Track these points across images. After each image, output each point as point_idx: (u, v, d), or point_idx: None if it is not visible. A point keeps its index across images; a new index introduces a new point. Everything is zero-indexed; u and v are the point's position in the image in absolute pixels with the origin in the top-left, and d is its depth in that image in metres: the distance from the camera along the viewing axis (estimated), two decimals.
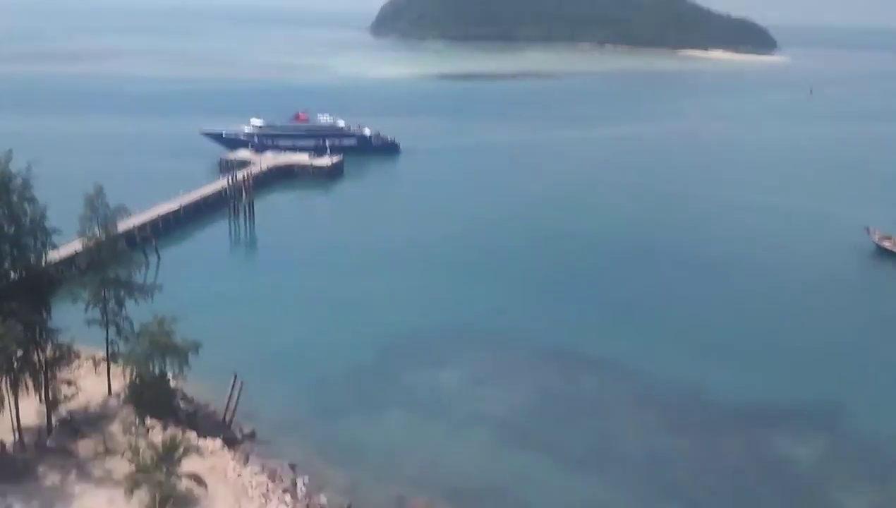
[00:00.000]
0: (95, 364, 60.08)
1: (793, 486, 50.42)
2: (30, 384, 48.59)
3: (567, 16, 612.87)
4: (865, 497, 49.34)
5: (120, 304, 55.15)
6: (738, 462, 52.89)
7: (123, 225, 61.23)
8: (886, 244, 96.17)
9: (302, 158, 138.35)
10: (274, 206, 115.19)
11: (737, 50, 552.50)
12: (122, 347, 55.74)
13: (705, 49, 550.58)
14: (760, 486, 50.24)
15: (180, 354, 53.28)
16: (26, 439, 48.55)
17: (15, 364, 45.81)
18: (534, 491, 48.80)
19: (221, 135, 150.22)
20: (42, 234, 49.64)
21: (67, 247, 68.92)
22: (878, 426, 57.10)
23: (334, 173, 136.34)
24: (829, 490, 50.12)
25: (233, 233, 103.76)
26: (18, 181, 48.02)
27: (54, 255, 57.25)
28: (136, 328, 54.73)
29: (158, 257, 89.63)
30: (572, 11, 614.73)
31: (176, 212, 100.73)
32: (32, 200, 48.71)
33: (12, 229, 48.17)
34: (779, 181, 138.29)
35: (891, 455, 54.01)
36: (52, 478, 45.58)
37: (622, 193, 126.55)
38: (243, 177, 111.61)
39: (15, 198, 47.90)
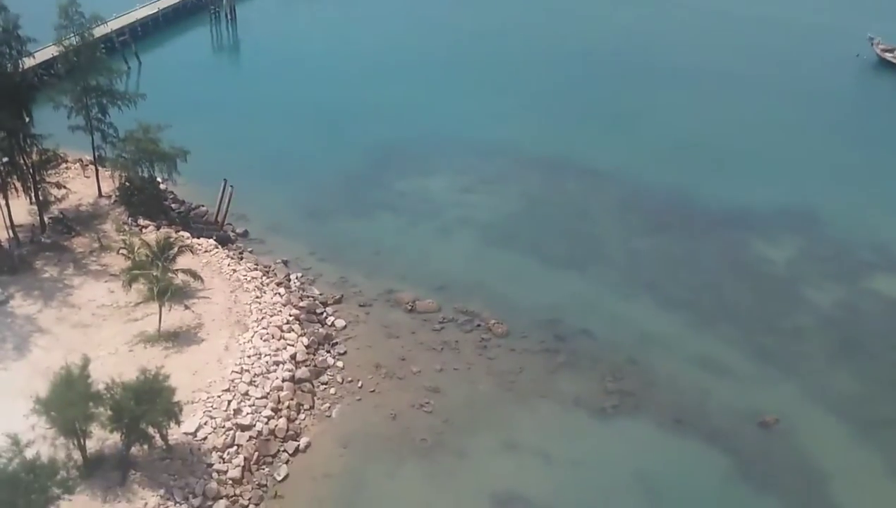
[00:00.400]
0: (83, 167, 60.43)
1: (765, 283, 52.48)
2: (19, 186, 48.89)
3: None
4: (834, 294, 51.52)
5: (103, 111, 54.48)
6: (714, 261, 54.68)
7: (101, 30, 59.01)
8: (888, 56, 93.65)
9: None
10: (257, 10, 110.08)
11: None
12: (108, 153, 55.80)
13: None
14: (734, 283, 52.30)
15: (168, 160, 53.39)
16: (20, 236, 49.46)
17: (2, 169, 45.81)
18: (517, 287, 50.74)
19: None
20: (17, 43, 48.07)
21: (44, 52, 66.86)
22: (854, 230, 58.47)
23: None
24: (800, 287, 52.21)
25: (215, 38, 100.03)
26: None
27: (32, 62, 55.81)
28: (122, 135, 54.44)
29: (140, 63, 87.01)
30: None
31: (154, 17, 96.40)
32: (2, 9, 46.75)
33: None
34: None
35: (864, 257, 55.73)
36: (49, 271, 47.03)
37: (616, 4, 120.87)
38: None
39: None
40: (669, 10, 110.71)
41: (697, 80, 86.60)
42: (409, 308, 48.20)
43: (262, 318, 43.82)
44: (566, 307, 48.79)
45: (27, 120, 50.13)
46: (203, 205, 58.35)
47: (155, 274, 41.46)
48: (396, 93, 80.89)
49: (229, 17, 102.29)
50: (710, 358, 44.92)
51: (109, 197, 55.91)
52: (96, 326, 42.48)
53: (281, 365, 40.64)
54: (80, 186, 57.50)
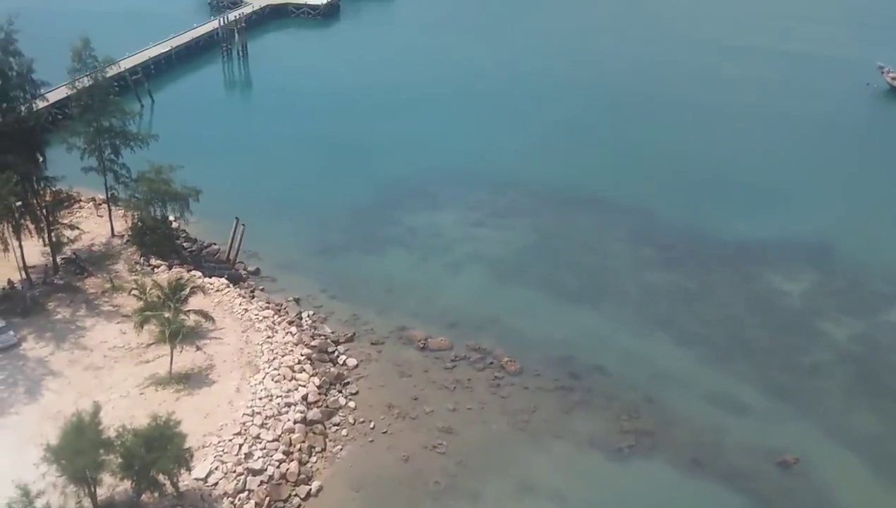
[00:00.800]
0: (97, 206, 60.88)
1: (781, 317, 51.84)
2: (32, 228, 49.23)
3: None
4: (850, 328, 50.78)
5: (116, 152, 55.06)
6: (729, 294, 54.15)
7: (115, 69, 59.95)
8: None
9: None
10: (268, 48, 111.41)
11: None
12: (121, 193, 56.23)
13: None
14: (749, 317, 51.71)
15: (180, 199, 53.71)
16: (33, 278, 49.67)
17: (15, 213, 46.22)
18: (530, 322, 50.35)
19: None
20: (31, 87, 48.96)
21: (58, 92, 67.85)
22: (869, 261, 57.79)
23: (330, 13, 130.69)
24: (816, 320, 51.53)
25: (227, 75, 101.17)
26: (1, 35, 46.64)
27: (46, 101, 56.67)
28: (135, 174, 54.88)
29: (152, 100, 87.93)
30: None
31: (167, 55, 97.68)
32: (17, 53, 47.66)
33: None
34: (790, 19, 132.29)
35: (880, 289, 55.03)
36: (62, 313, 47.08)
37: (626, 38, 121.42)
38: (236, 17, 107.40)
39: (0, 53, 46.69)
40: (680, 44, 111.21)
41: (708, 113, 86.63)
42: (422, 345, 47.89)
43: (274, 359, 43.61)
44: (580, 343, 48.31)
45: (41, 161, 50.72)
46: (215, 244, 58.45)
47: (166, 315, 41.39)
48: (407, 128, 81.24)
49: (241, 54, 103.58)
50: (727, 395, 44.27)
51: (122, 236, 56.16)
52: (108, 368, 42.36)
53: (292, 407, 40.34)
54: (93, 226, 57.88)
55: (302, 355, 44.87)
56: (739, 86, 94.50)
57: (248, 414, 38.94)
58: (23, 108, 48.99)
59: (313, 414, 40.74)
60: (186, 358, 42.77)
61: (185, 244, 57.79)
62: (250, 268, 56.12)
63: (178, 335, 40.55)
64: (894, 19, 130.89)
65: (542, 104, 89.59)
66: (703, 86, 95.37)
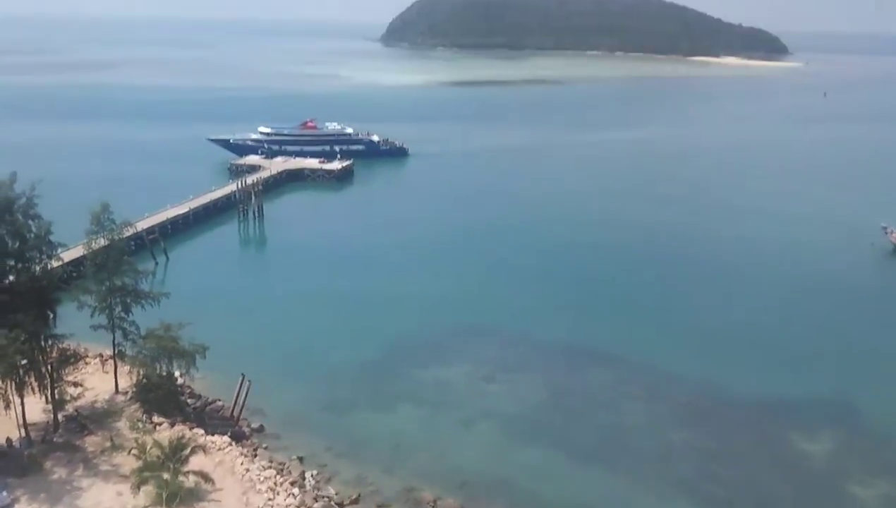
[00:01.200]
0: (103, 362, 60.33)
1: (806, 481, 49.41)
2: (36, 386, 48.60)
3: (576, 25, 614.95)
4: (879, 491, 48.24)
5: (127, 310, 55.36)
6: (751, 455, 51.85)
7: (132, 228, 61.76)
8: None
9: (312, 162, 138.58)
10: (283, 209, 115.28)
11: (749, 56, 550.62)
12: (128, 350, 56.01)
13: (717, 56, 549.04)
14: (773, 480, 49.22)
15: (187, 357, 53.36)
16: (33, 435, 48.43)
17: (20, 370, 45.91)
18: (543, 486, 48.04)
19: (229, 141, 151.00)
20: (48, 248, 50.33)
21: (74, 251, 69.41)
22: (891, 421, 55.98)
23: (344, 177, 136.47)
24: (843, 484, 49.01)
25: (242, 235, 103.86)
26: (23, 200, 48.71)
27: (61, 260, 57.89)
28: (143, 331, 54.92)
29: (167, 258, 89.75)
30: (581, 21, 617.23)
31: (185, 215, 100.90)
32: (37, 217, 49.44)
33: (16, 244, 48.92)
34: (795, 183, 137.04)
35: None
36: (58, 473, 45.35)
37: (634, 196, 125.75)
38: (253, 180, 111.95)
39: (20, 217, 48.57)
40: (689, 205, 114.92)
41: (718, 272, 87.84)
42: None
43: None
44: None
45: (51, 318, 50.90)
46: (219, 400, 57.32)
47: (165, 477, 39.79)
48: (417, 285, 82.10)
49: (257, 214, 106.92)
50: None
51: (126, 393, 55.25)
52: None
53: None
54: (97, 381, 57.15)
55: None
56: (748, 247, 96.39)
57: None
58: (37, 268, 49.89)
59: None
60: None
61: (189, 400, 56.63)
62: (254, 425, 54.57)
63: (175, 498, 38.83)
64: (891, 185, 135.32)
65: (552, 260, 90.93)
66: (713, 246, 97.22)
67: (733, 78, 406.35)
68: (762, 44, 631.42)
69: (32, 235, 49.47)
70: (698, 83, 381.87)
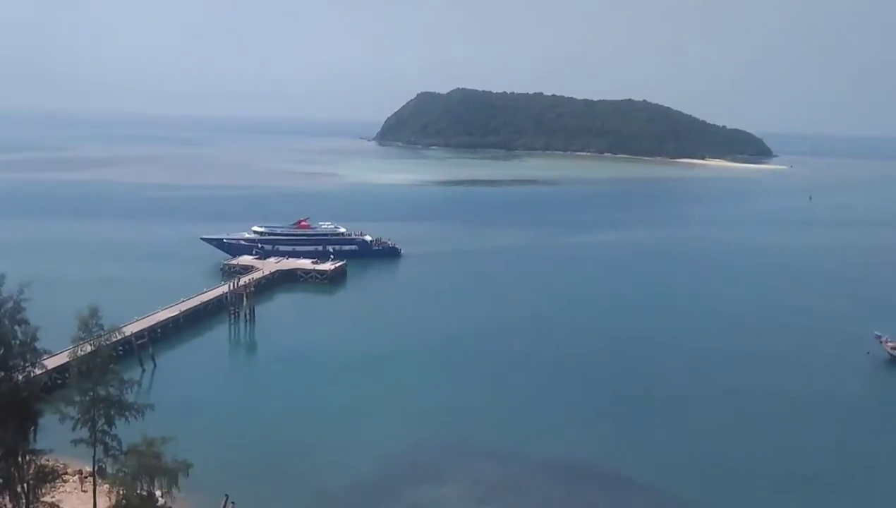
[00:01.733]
0: (82, 480, 58.03)
1: None
2: (10, 507, 46.25)
3: (566, 127, 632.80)
4: None
5: (110, 423, 53.40)
6: None
7: (120, 334, 60.56)
8: None
9: (305, 263, 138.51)
10: (275, 312, 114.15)
11: (734, 159, 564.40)
12: (109, 467, 53.79)
13: (703, 158, 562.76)
14: None
15: (170, 475, 51.16)
16: None
17: None
18: None
19: (222, 241, 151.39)
20: (32, 355, 48.92)
21: (58, 358, 67.88)
22: None
23: (337, 278, 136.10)
24: None
25: (232, 338, 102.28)
26: (9, 305, 47.68)
27: (44, 368, 56.33)
28: (126, 446, 52.84)
29: (154, 364, 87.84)
30: (571, 123, 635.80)
31: (175, 319, 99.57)
32: (23, 322, 48.21)
33: (0, 351, 47.27)
34: (782, 289, 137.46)
35: None
36: None
37: (625, 300, 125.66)
38: (245, 282, 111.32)
39: (6, 322, 47.41)
40: (677, 318, 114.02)
41: (712, 386, 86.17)
42: None
43: None
44: None
45: (31, 432, 48.94)
46: None
47: None
48: (406, 393, 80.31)
49: (248, 317, 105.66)
50: None
51: None
52: None
53: None
54: (75, 502, 54.78)
55: None
56: (740, 359, 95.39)
57: None
58: (20, 377, 48.30)
59: None
60: None
61: None
62: None
63: None
64: (883, 290, 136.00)
65: (546, 369, 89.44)
66: (703, 358, 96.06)
67: (719, 179, 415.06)
68: (747, 146, 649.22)
69: (17, 342, 48.04)
70: (684, 185, 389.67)
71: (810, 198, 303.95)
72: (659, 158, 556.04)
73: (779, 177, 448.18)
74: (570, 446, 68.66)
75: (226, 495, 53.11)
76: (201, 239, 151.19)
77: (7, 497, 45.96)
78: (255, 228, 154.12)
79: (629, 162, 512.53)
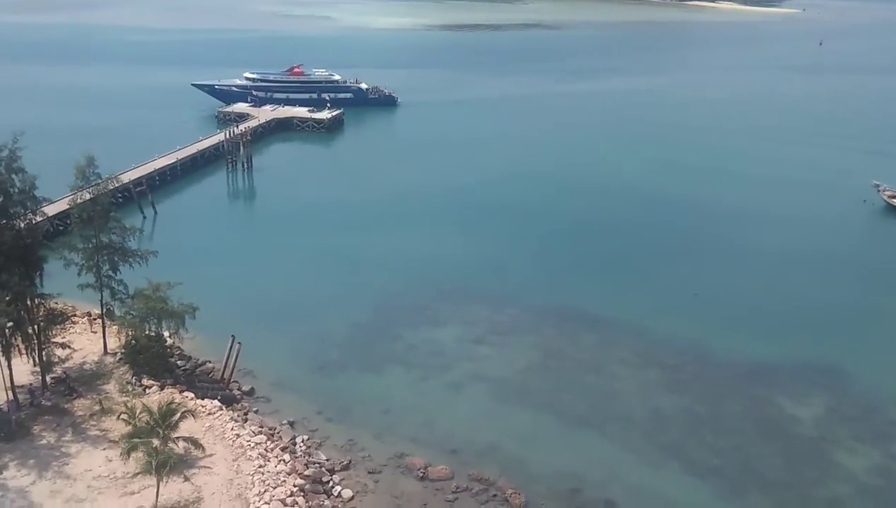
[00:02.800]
0: (91, 322, 59.81)
1: (794, 446, 49.90)
2: (22, 348, 47.94)
3: None
4: (867, 458, 48.83)
5: (114, 269, 54.48)
6: (740, 421, 52.33)
7: (118, 181, 60.44)
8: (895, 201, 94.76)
9: (301, 111, 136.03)
10: (273, 161, 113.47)
11: (745, 1, 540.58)
12: (117, 310, 55.36)
13: (713, 1, 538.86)
14: (762, 445, 49.72)
15: (176, 317, 52.79)
16: (20, 398, 48.03)
17: (7, 332, 45.08)
18: (533, 450, 48.36)
19: (213, 87, 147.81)
20: (32, 203, 48.91)
21: (58, 204, 68.20)
22: (881, 385, 56.47)
23: (334, 127, 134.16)
24: (831, 450, 49.62)
25: (231, 187, 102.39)
26: (5, 153, 47.07)
27: (45, 215, 56.68)
28: (132, 290, 54.16)
29: (155, 211, 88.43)
30: None
31: (172, 167, 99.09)
32: (20, 170, 47.82)
33: (0, 199, 47.17)
34: (786, 134, 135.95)
35: (894, 417, 53.35)
36: (47, 437, 45.18)
37: (626, 148, 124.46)
38: (242, 130, 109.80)
39: (2, 171, 47.01)
40: (677, 169, 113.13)
41: (709, 234, 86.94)
42: (421, 475, 45.73)
43: (265, 491, 41.44)
44: (587, 474, 46.21)
45: (37, 277, 49.93)
46: (210, 361, 57.05)
47: (154, 444, 39.56)
48: (406, 241, 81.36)
49: (245, 165, 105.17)
50: None
51: (115, 354, 54.81)
52: (91, 500, 40.16)
53: None
54: (86, 342, 56.69)
55: (294, 486, 42.71)
56: (738, 207, 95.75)
57: None
58: (21, 225, 48.68)
59: None
60: (173, 490, 40.65)
61: (178, 362, 56.31)
62: (244, 388, 54.40)
63: (165, 466, 38.61)
64: (882, 139, 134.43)
65: (543, 219, 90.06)
66: (702, 205, 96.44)
67: (728, 24, 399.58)
68: None
69: (16, 190, 48.12)
70: (693, 29, 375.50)
71: (820, 44, 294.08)
72: (668, 1, 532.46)
73: (790, 21, 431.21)
74: (563, 291, 70.45)
75: (232, 336, 54.93)
76: (192, 85, 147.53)
77: (19, 339, 47.54)
78: (247, 74, 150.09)
79: (636, 4, 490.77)
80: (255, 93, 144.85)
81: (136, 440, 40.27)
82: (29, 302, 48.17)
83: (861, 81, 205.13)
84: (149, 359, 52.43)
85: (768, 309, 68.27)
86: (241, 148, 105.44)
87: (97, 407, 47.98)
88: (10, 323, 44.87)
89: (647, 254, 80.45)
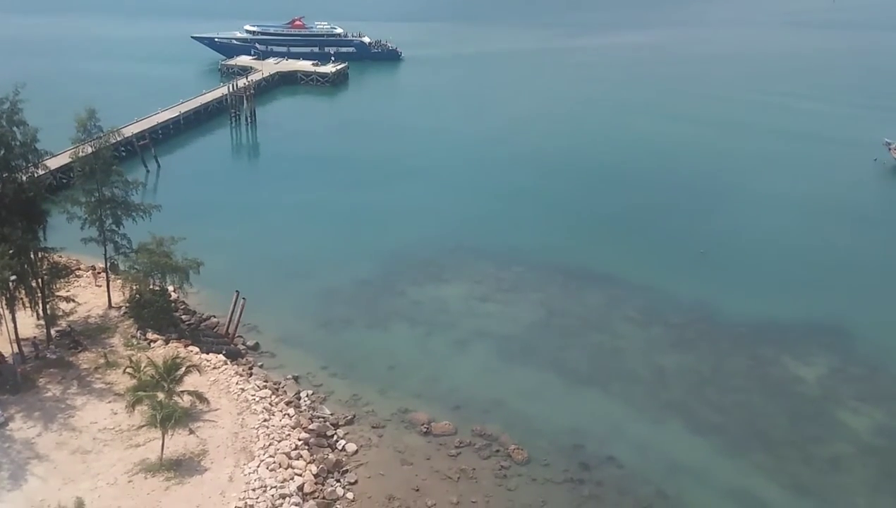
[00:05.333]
0: (95, 275, 59.78)
1: (798, 405, 49.87)
2: (26, 301, 47.86)
3: None
4: (870, 417, 48.83)
5: (118, 223, 54.20)
6: (744, 379, 52.28)
7: (121, 134, 59.82)
8: None
9: (305, 65, 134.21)
10: (277, 114, 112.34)
11: None
12: (121, 264, 55.26)
13: None
14: (766, 404, 49.72)
15: (181, 272, 52.65)
16: (26, 351, 48.17)
17: (10, 285, 44.96)
18: (536, 406, 48.45)
19: (213, 40, 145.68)
20: (34, 156, 48.43)
21: (60, 158, 67.67)
22: (887, 346, 56.18)
23: (338, 81, 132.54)
24: (834, 409, 49.60)
25: (235, 141, 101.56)
26: (6, 106, 46.48)
27: (48, 169, 56.28)
28: (136, 244, 53.94)
29: (158, 165, 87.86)
30: None
31: (175, 120, 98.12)
32: (22, 123, 47.28)
33: (1, 152, 46.67)
34: (796, 93, 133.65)
35: None
36: (52, 390, 45.39)
37: (634, 103, 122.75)
38: (245, 84, 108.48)
39: (4, 123, 46.42)
40: (686, 124, 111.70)
41: (716, 191, 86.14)
42: (425, 430, 45.92)
43: (270, 444, 41.68)
44: (590, 430, 46.35)
45: (39, 230, 49.69)
46: (214, 316, 57.10)
47: (159, 398, 39.67)
48: (413, 198, 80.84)
49: (249, 119, 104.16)
50: (746, 491, 42.11)
51: (119, 307, 54.82)
52: (96, 452, 40.45)
53: (287, 499, 38.25)
54: (90, 296, 56.71)
55: (299, 440, 42.95)
56: (746, 165, 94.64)
57: (240, 507, 36.85)
58: (24, 177, 48.27)
59: (309, 506, 38.60)
60: (178, 443, 40.91)
61: (183, 317, 56.38)
62: (249, 343, 54.51)
63: (170, 420, 38.77)
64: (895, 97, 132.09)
65: (548, 177, 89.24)
66: (710, 164, 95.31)
67: None
68: None
69: (18, 143, 47.66)
70: None
71: (833, 0, 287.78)
72: None
73: None
74: (569, 248, 70.03)
75: (236, 291, 54.81)
76: (192, 37, 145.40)
77: (23, 292, 47.42)
78: (248, 27, 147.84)
79: None
80: (256, 45, 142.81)
81: (141, 393, 40.44)
82: (32, 256, 47.99)
83: (875, 39, 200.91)
84: (153, 314, 52.43)
85: (775, 267, 67.81)
86: (245, 101, 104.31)
87: (102, 361, 48.13)
88: (13, 277, 44.68)
89: (655, 211, 79.74)
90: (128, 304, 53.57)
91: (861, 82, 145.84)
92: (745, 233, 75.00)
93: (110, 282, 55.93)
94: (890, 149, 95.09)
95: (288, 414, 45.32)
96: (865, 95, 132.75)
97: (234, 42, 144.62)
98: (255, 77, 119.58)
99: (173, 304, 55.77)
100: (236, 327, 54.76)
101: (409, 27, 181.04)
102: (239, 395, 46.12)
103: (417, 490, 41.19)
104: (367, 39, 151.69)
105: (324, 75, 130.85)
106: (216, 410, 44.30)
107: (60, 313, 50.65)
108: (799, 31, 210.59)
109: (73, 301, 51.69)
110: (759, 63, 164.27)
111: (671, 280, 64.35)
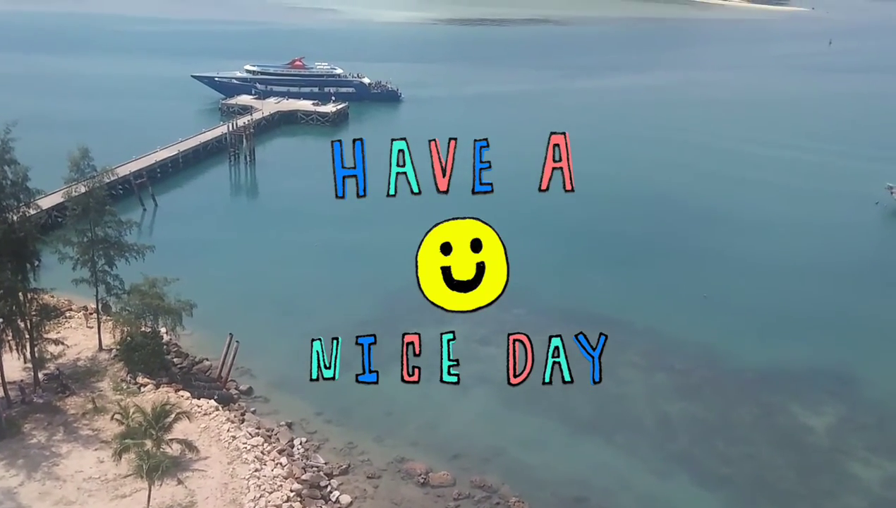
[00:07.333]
0: (87, 316, 58.54)
1: (807, 455, 48.56)
2: (13, 344, 46.67)
3: None
4: (881, 469, 47.44)
5: (110, 263, 53.22)
6: (751, 429, 50.99)
7: (117, 173, 59.23)
8: None
9: (305, 105, 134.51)
10: (276, 154, 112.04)
11: (753, 0, 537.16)
12: (112, 305, 54.20)
13: None
14: (774, 455, 48.34)
15: (173, 314, 51.56)
16: (12, 395, 46.81)
17: None
18: (538, 456, 47.06)
19: (213, 79, 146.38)
20: (25, 195, 47.69)
21: (53, 197, 66.99)
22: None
23: (338, 121, 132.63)
24: (844, 460, 48.24)
25: (233, 180, 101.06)
26: None
27: (41, 204, 55.54)
28: (128, 286, 52.92)
29: (156, 204, 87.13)
30: None
31: (174, 159, 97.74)
32: (13, 162, 46.61)
33: None
34: (796, 135, 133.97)
35: None
36: (38, 437, 43.95)
37: (633, 146, 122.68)
38: (245, 123, 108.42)
39: None
40: (689, 159, 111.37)
41: (719, 234, 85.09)
42: (422, 480, 44.42)
43: (261, 496, 40.17)
44: (593, 482, 44.85)
45: (30, 271, 48.65)
46: (206, 359, 55.78)
47: (147, 447, 38.22)
48: (411, 238, 78.86)
49: (248, 158, 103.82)
50: None
51: (110, 350, 53.53)
52: (80, 503, 38.95)
53: None
54: (80, 337, 55.46)
55: (291, 491, 41.42)
56: (748, 208, 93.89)
57: None
58: (14, 218, 47.44)
59: None
60: (166, 493, 39.38)
61: (175, 359, 55.06)
62: (242, 387, 53.13)
63: (157, 470, 37.27)
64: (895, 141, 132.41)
65: (550, 218, 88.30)
66: (712, 205, 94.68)
67: (736, 22, 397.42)
68: None
69: (8, 182, 46.94)
70: (701, 27, 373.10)
71: (830, 43, 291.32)
72: None
73: (799, 20, 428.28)
74: (573, 294, 68.77)
75: (230, 334, 53.59)
76: (192, 76, 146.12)
77: (10, 335, 46.23)
78: (248, 67, 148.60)
79: (644, 1, 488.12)
80: (257, 85, 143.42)
81: (128, 441, 39.00)
82: (21, 297, 46.91)
83: (872, 81, 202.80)
84: (144, 357, 51.15)
85: (779, 313, 66.71)
86: (245, 141, 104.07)
87: (90, 406, 46.75)
88: (0, 319, 43.52)
89: (657, 256, 78.88)
90: (118, 347, 52.34)
91: (861, 125, 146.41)
92: (748, 278, 73.98)
93: (101, 324, 54.74)
94: (892, 192, 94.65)
95: (280, 463, 43.83)
96: (865, 139, 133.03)
97: (235, 81, 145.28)
98: (255, 116, 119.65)
99: (165, 347, 54.53)
100: (229, 370, 53.43)
101: (409, 68, 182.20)
102: (230, 443, 44.65)
103: None
104: (366, 80, 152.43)
105: (324, 115, 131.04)
106: (206, 459, 42.85)
107: (49, 356, 49.42)
108: (797, 74, 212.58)
109: (62, 343, 50.49)
110: (757, 107, 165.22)
111: (675, 325, 63.21)
